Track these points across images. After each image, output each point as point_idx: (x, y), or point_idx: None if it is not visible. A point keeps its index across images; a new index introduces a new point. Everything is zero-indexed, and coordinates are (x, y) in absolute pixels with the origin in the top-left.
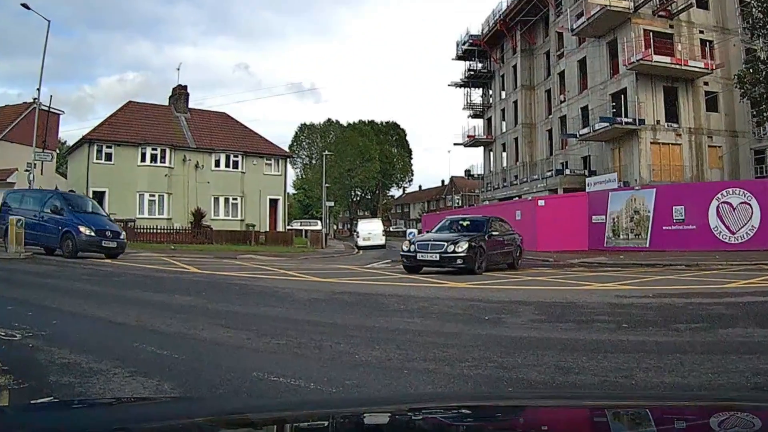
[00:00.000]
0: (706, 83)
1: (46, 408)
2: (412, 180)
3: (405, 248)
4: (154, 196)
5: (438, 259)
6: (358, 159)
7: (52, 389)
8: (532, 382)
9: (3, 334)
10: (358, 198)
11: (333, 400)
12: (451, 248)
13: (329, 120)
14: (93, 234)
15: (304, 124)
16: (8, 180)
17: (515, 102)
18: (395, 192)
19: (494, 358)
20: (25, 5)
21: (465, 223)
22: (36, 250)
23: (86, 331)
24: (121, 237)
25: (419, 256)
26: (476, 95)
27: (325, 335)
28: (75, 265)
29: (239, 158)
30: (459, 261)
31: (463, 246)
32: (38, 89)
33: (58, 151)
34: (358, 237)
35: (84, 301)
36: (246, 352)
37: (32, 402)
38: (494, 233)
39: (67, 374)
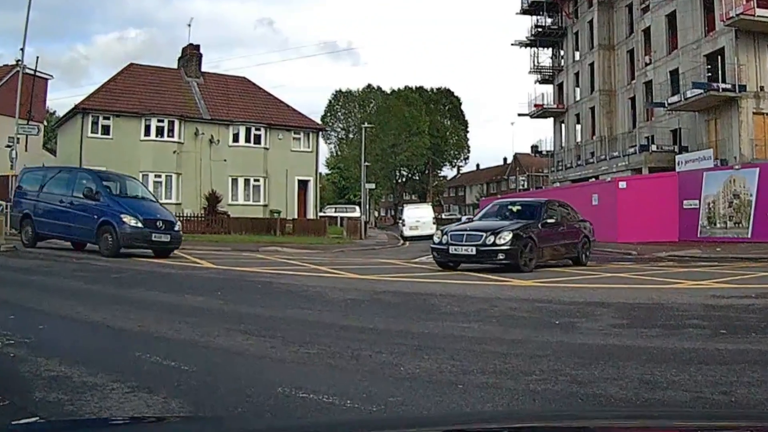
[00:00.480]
0: None
1: (28, 430)
2: (468, 158)
3: (436, 239)
4: (160, 176)
5: (474, 253)
6: (404, 132)
7: (36, 407)
8: (611, 399)
9: None
10: (404, 179)
11: (373, 421)
12: (490, 240)
13: (369, 86)
14: (140, 225)
15: (340, 90)
16: None
17: (591, 64)
18: (448, 172)
19: (566, 370)
20: None
21: (515, 208)
22: (58, 245)
23: (79, 337)
24: (176, 228)
25: (452, 249)
26: (545, 56)
27: (364, 343)
28: (65, 259)
29: (262, 132)
30: (500, 256)
31: (505, 237)
32: (22, 49)
33: (45, 123)
34: (403, 226)
35: (76, 302)
36: (270, 363)
37: (13, 423)
38: (551, 221)
39: (56, 389)
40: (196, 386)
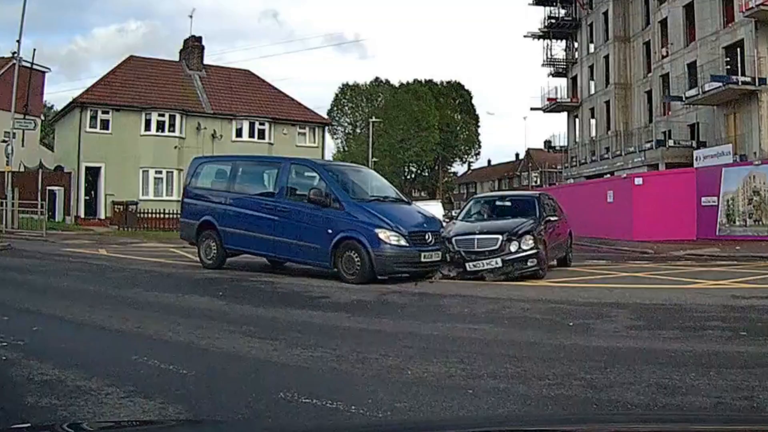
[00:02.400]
0: None
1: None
2: (479, 153)
3: (451, 249)
4: (161, 172)
5: (500, 265)
6: (413, 127)
7: (28, 413)
8: (628, 404)
9: None
10: (413, 175)
11: (379, 424)
12: (514, 246)
13: (377, 79)
14: (404, 243)
15: (347, 84)
16: None
17: (606, 57)
18: (458, 168)
19: (581, 374)
20: None
21: (503, 204)
22: (246, 262)
23: (74, 340)
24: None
25: (471, 266)
26: (558, 49)
27: (371, 346)
28: (61, 258)
29: (266, 126)
30: (531, 263)
31: (529, 241)
32: (18, 41)
33: (43, 117)
34: None
35: (72, 302)
36: (272, 367)
37: (3, 429)
38: (553, 218)
39: (49, 394)
40: (194, 391)
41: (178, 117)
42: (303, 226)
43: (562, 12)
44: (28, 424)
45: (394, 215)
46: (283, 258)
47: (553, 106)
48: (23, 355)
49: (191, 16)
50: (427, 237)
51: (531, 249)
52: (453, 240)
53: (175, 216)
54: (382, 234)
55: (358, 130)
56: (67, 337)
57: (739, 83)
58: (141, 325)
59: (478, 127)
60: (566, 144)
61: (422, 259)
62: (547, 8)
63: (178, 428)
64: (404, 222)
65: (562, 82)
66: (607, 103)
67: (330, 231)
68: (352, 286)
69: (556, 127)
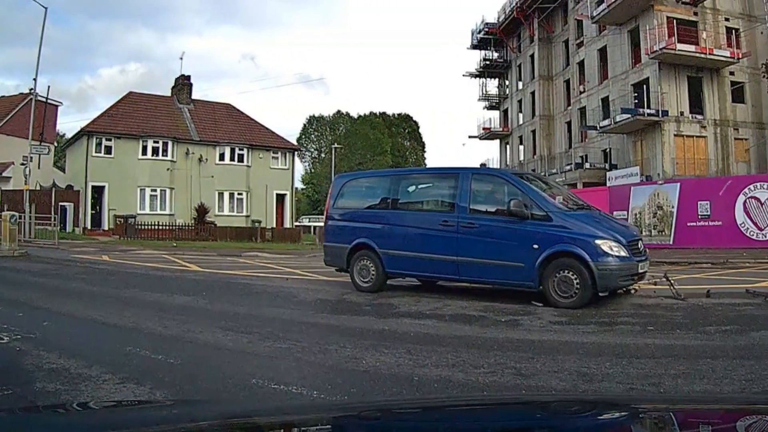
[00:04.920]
0: (732, 73)
1: (33, 412)
2: None
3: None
4: (155, 190)
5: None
6: (369, 152)
7: (36, 397)
8: (553, 390)
9: None
10: None
11: (340, 404)
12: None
13: (339, 112)
14: (624, 254)
15: (313, 116)
16: (3, 174)
17: (533, 93)
18: None
19: (511, 364)
20: None
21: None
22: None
23: (78, 333)
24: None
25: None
26: (492, 86)
27: (331, 339)
28: (70, 263)
29: (245, 151)
30: None
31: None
32: (34, 79)
33: (56, 143)
34: None
35: (78, 301)
36: (246, 357)
37: (14, 409)
38: None
39: (54, 380)
40: (179, 378)
41: (170, 143)
42: (498, 243)
43: (496, 55)
44: (38, 405)
45: (602, 223)
46: (469, 280)
47: (487, 134)
48: (34, 346)
49: (182, 59)
50: (639, 245)
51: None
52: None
53: (168, 227)
54: (605, 245)
55: (323, 155)
56: (72, 331)
57: (645, 115)
58: (136, 320)
59: (425, 152)
60: (499, 166)
61: (639, 270)
62: (483, 52)
63: (170, 407)
64: (617, 229)
65: (495, 114)
66: (533, 131)
67: (536, 246)
68: (317, 287)
69: (490, 152)
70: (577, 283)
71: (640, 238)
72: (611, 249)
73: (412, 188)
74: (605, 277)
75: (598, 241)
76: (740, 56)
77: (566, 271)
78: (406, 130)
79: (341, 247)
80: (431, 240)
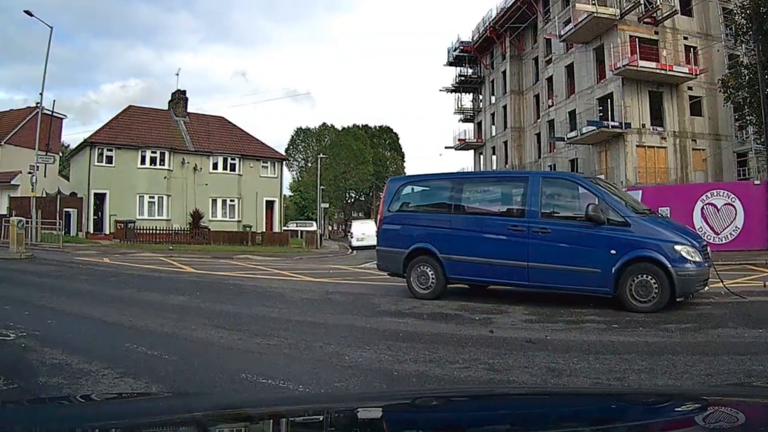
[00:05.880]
0: (690, 88)
1: (39, 403)
2: None
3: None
4: (153, 197)
5: None
6: (353, 162)
7: (39, 390)
8: (524, 384)
9: None
10: (353, 200)
11: (329, 395)
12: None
13: (324, 124)
14: (699, 258)
15: (300, 128)
16: (12, 182)
17: (504, 106)
18: None
19: (485, 359)
20: (27, 12)
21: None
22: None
23: (79, 331)
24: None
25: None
26: (467, 100)
27: (316, 336)
28: (73, 265)
29: (236, 161)
30: None
31: None
32: (41, 94)
33: (60, 154)
34: (352, 238)
35: (80, 300)
36: (236, 353)
37: (19, 402)
38: None
39: (57, 375)
40: (174, 372)
41: (167, 154)
42: (572, 249)
43: (470, 71)
44: (42, 398)
45: (676, 229)
46: (539, 285)
47: (462, 145)
48: (38, 342)
49: (178, 75)
50: (708, 251)
51: None
52: (699, 249)
53: (165, 232)
54: (684, 251)
55: (309, 164)
56: (73, 328)
57: (609, 127)
58: (133, 319)
59: (404, 162)
60: None
61: (709, 276)
62: (458, 68)
63: (167, 400)
64: (691, 234)
65: (470, 126)
66: (505, 142)
67: (613, 251)
68: (304, 287)
69: (465, 162)
70: (656, 288)
71: (707, 243)
72: (689, 254)
73: (476, 192)
74: (684, 283)
75: (678, 247)
76: (698, 72)
77: (645, 275)
78: (387, 141)
79: (397, 252)
80: (499, 245)
